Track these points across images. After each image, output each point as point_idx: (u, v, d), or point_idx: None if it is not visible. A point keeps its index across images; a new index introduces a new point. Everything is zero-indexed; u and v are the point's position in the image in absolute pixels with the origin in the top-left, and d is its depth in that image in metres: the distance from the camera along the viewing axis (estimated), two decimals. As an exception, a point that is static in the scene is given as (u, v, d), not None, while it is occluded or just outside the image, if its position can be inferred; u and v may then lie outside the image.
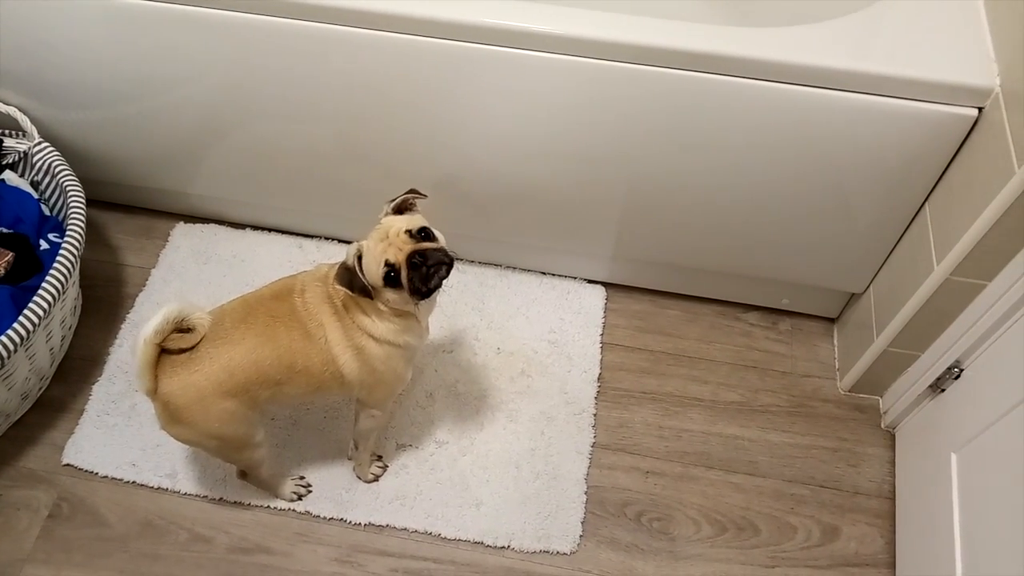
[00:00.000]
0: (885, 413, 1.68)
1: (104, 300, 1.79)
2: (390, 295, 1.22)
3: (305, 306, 1.28)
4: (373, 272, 1.20)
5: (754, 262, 1.70)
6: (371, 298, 1.23)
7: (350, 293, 1.22)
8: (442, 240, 1.25)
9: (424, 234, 1.22)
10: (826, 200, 1.51)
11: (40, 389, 1.64)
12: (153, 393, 1.22)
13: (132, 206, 1.93)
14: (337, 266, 1.25)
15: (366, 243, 1.22)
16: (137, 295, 1.80)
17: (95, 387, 1.66)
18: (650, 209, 1.62)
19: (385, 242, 1.20)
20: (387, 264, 1.18)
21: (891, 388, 1.66)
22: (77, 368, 1.69)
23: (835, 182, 1.47)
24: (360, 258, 1.21)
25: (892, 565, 1.51)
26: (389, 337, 1.29)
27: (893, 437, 1.66)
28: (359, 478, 1.56)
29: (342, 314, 1.28)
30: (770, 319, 1.82)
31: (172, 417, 1.25)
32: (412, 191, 1.27)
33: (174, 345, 1.22)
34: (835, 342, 1.79)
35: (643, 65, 1.34)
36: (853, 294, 1.73)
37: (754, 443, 1.65)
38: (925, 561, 1.41)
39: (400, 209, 1.27)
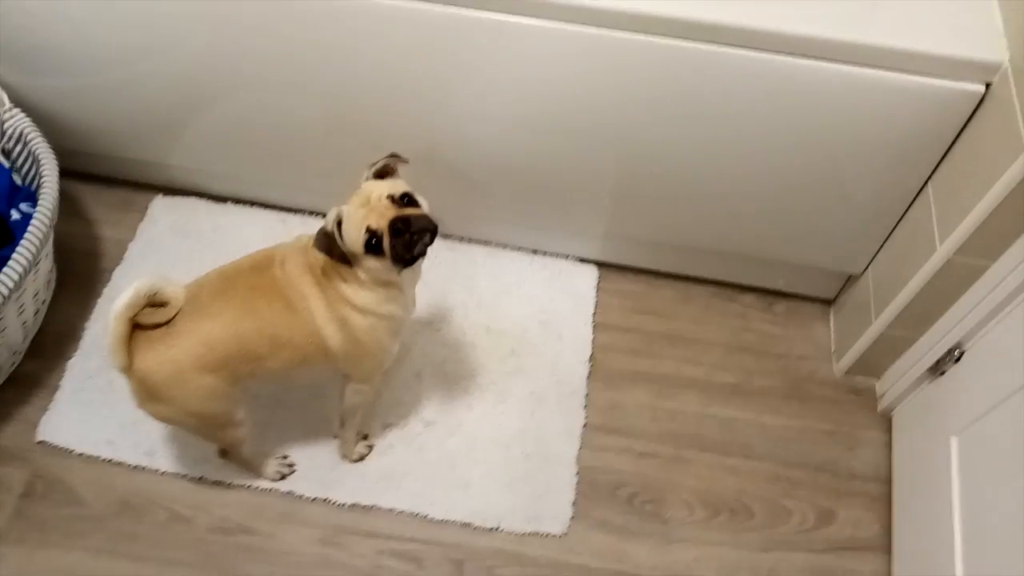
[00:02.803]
0: (882, 396, 1.65)
1: (80, 274, 1.73)
2: (371, 263, 1.17)
3: (286, 277, 1.24)
4: (354, 238, 1.15)
5: (750, 241, 1.66)
6: (351, 266, 1.18)
7: (329, 260, 1.18)
8: (426, 206, 1.20)
9: (407, 200, 1.17)
10: (825, 177, 1.47)
11: (13, 364, 1.58)
12: (128, 370, 1.17)
13: (110, 177, 1.86)
14: (316, 233, 1.20)
15: (346, 208, 1.16)
16: (114, 269, 1.73)
17: (70, 363, 1.61)
18: (643, 185, 1.57)
19: (366, 207, 1.15)
20: (368, 230, 1.13)
21: (888, 371, 1.63)
22: (52, 343, 1.63)
23: (834, 159, 1.43)
24: (340, 224, 1.16)
25: (888, 549, 1.49)
26: (372, 307, 1.24)
27: (890, 420, 1.63)
28: (344, 457, 1.52)
29: (324, 285, 1.23)
30: (766, 301, 1.79)
31: (149, 394, 1.20)
32: (393, 155, 1.22)
33: (148, 320, 1.17)
34: (831, 324, 1.76)
35: (636, 34, 1.29)
36: (851, 276, 1.69)
37: (749, 425, 1.62)
38: (923, 545, 1.39)
39: (381, 174, 1.22)
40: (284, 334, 1.23)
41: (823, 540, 1.50)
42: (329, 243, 1.16)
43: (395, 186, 1.18)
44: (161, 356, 1.17)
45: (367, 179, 1.21)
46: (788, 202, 1.53)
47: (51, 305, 1.66)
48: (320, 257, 1.19)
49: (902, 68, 1.27)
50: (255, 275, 1.25)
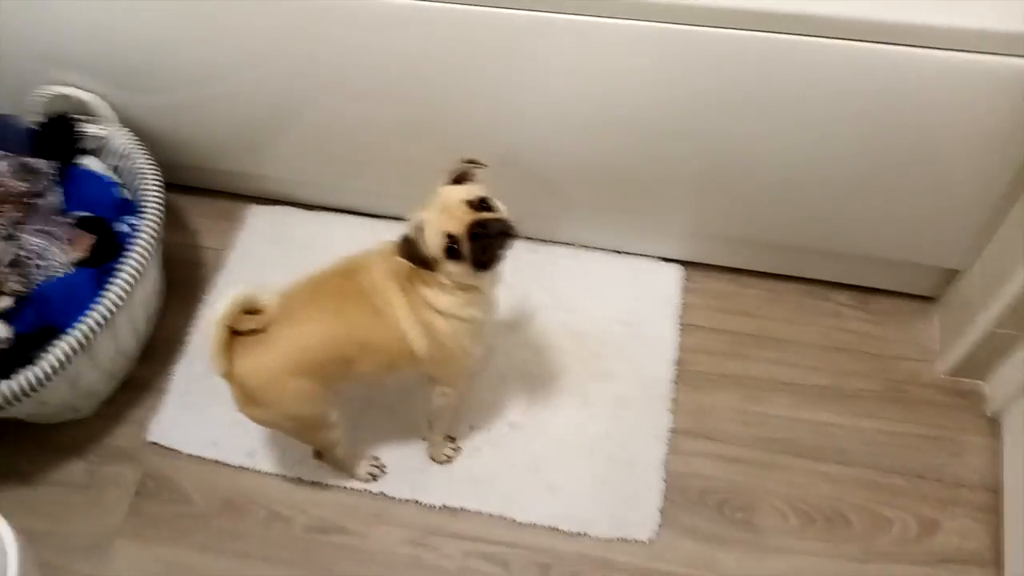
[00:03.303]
0: (991, 399, 1.56)
1: (184, 282, 1.82)
2: (452, 267, 1.19)
3: (372, 283, 1.27)
4: (434, 244, 1.17)
5: (843, 237, 1.59)
6: (433, 270, 1.20)
7: (412, 265, 1.20)
8: (503, 210, 1.21)
9: (484, 204, 1.19)
10: (924, 168, 1.39)
11: (127, 370, 1.68)
12: (229, 375, 1.24)
13: (208, 189, 1.96)
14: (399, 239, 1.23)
15: (425, 214, 1.19)
16: (215, 277, 1.82)
17: (177, 367, 1.70)
18: (727, 181, 1.53)
19: (445, 213, 1.17)
20: (447, 236, 1.15)
21: (997, 372, 1.53)
22: (161, 349, 1.73)
23: (933, 148, 1.36)
24: (421, 230, 1.18)
25: (998, 563, 1.40)
26: (454, 311, 1.26)
27: (999, 425, 1.54)
28: (433, 459, 1.55)
29: (409, 289, 1.26)
30: (861, 298, 1.71)
31: (248, 398, 1.26)
32: (470, 160, 1.24)
33: (244, 327, 1.23)
34: (936, 323, 1.67)
35: (715, 28, 1.26)
36: (956, 271, 1.60)
37: (844, 430, 1.56)
38: None
39: (459, 179, 1.23)
40: (372, 338, 1.27)
41: (926, 552, 1.43)
42: (411, 249, 1.18)
43: (472, 191, 1.19)
44: (258, 361, 1.23)
45: (444, 185, 1.22)
46: (883, 194, 1.46)
47: (160, 312, 1.76)
48: (404, 263, 1.21)
49: (997, 50, 1.19)
50: (343, 281, 1.29)
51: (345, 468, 1.52)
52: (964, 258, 1.53)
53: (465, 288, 1.24)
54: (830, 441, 1.55)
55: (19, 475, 1.59)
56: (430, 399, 1.43)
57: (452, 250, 1.16)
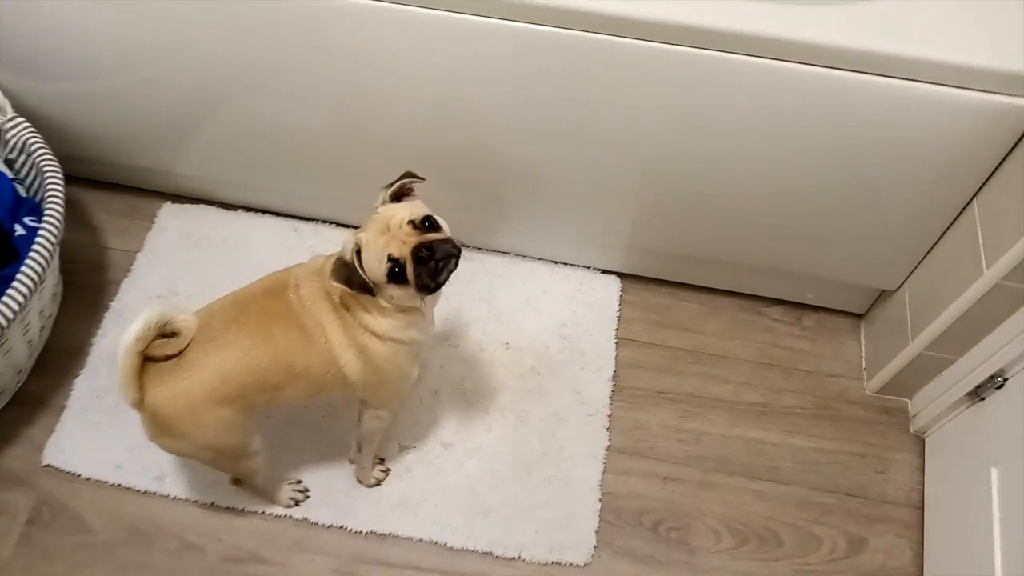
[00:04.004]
0: (915, 417, 1.59)
1: (86, 286, 1.67)
2: (394, 291, 1.11)
3: (301, 303, 1.18)
4: (375, 268, 1.09)
5: (781, 256, 1.60)
6: (372, 295, 1.12)
7: (348, 290, 1.12)
8: (447, 229, 1.14)
9: (428, 224, 1.11)
10: (861, 193, 1.40)
11: (17, 383, 1.53)
12: (140, 404, 1.12)
13: (115, 184, 1.80)
14: (333, 260, 1.14)
15: (364, 235, 1.10)
16: (122, 281, 1.68)
17: (77, 381, 1.56)
18: (668, 197, 1.51)
19: (387, 235, 1.09)
20: (391, 259, 1.08)
21: (922, 391, 1.57)
22: (57, 360, 1.58)
23: (872, 174, 1.36)
24: (359, 252, 1.10)
25: (921, 579, 1.44)
26: (393, 334, 1.18)
27: (923, 442, 1.58)
28: (360, 482, 1.47)
29: (341, 311, 1.17)
30: (794, 314, 1.73)
31: (162, 429, 1.15)
32: (409, 174, 1.16)
33: (159, 352, 1.12)
34: (862, 340, 1.70)
35: (658, 43, 1.22)
36: (884, 290, 1.63)
37: (777, 447, 1.56)
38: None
39: (398, 196, 1.15)
40: (301, 363, 1.17)
41: (854, 569, 1.45)
42: (349, 273, 1.10)
43: (415, 209, 1.12)
44: (173, 390, 1.12)
45: (383, 202, 1.14)
46: (822, 217, 1.47)
47: (56, 319, 1.61)
48: (337, 285, 1.13)
49: (947, 82, 1.19)
50: (269, 300, 1.19)
51: (265, 494, 1.42)
52: (894, 279, 1.56)
53: (405, 310, 1.16)
54: (763, 459, 1.55)
55: None
56: (360, 421, 1.35)
57: (395, 273, 1.08)
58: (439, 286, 1.11)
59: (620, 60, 1.26)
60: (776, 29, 1.19)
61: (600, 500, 1.48)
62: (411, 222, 1.10)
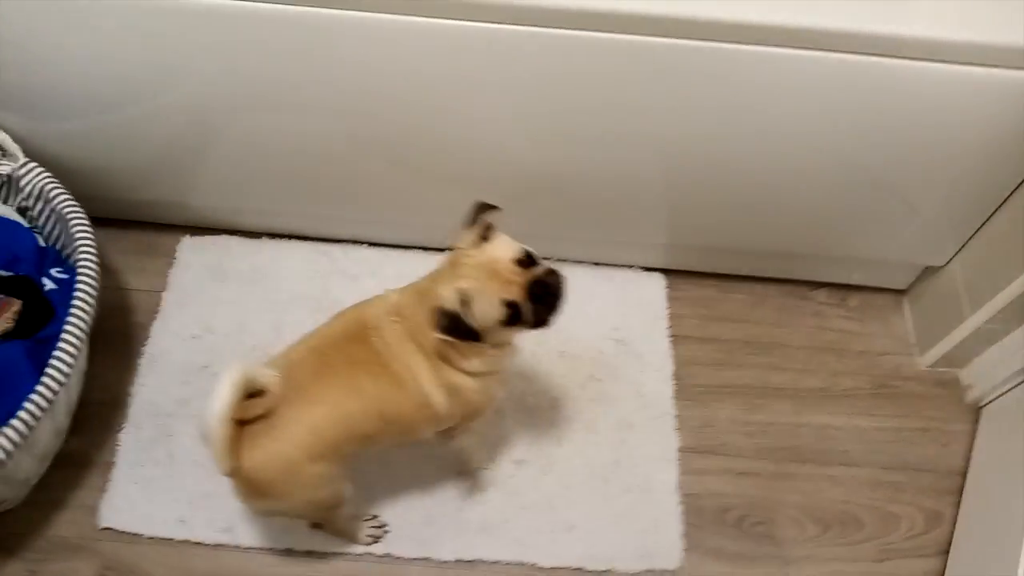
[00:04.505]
0: (969, 388, 1.62)
1: (113, 332, 1.57)
2: (506, 334, 1.07)
3: (387, 347, 1.13)
4: (488, 314, 1.05)
5: (825, 241, 1.60)
6: (479, 340, 1.08)
7: (450, 339, 1.07)
8: (536, 256, 1.10)
9: (531, 259, 1.07)
10: (910, 176, 1.41)
11: (58, 445, 1.43)
12: (237, 472, 1.06)
13: (126, 220, 1.69)
14: (430, 309, 1.08)
15: (471, 284, 1.05)
16: (151, 323, 1.59)
17: (121, 435, 1.47)
18: (708, 192, 1.49)
19: (496, 280, 1.05)
20: (508, 304, 1.04)
21: (975, 361, 1.59)
22: (96, 415, 1.49)
23: (922, 159, 1.37)
24: (467, 302, 1.05)
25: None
26: (485, 368, 1.15)
27: (978, 413, 1.61)
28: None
29: (428, 351, 1.13)
30: (839, 295, 1.73)
31: (258, 492, 1.09)
32: (483, 206, 1.10)
33: (248, 414, 1.06)
34: (907, 315, 1.72)
35: (686, 40, 1.20)
36: (929, 266, 1.65)
37: (843, 431, 1.58)
38: (987, 548, 1.35)
39: (484, 234, 1.10)
40: (393, 409, 1.13)
41: (935, 544, 1.47)
42: (455, 323, 1.05)
43: (512, 247, 1.08)
44: (269, 452, 1.07)
45: (473, 243, 1.09)
46: (869, 200, 1.47)
47: (88, 371, 1.51)
48: (441, 337, 1.07)
49: (994, 62, 1.20)
50: (351, 347, 1.13)
51: (346, 534, 1.37)
52: (943, 255, 1.57)
53: (499, 345, 1.12)
54: (832, 444, 1.56)
55: (-61, 590, 1.33)
56: (452, 442, 1.31)
57: (514, 316, 1.04)
58: (553, 319, 1.08)
59: (647, 58, 1.23)
60: (811, 19, 1.18)
61: (681, 502, 1.47)
62: (516, 260, 1.06)
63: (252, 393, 1.06)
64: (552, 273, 1.07)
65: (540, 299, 1.05)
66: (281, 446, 1.07)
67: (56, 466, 1.42)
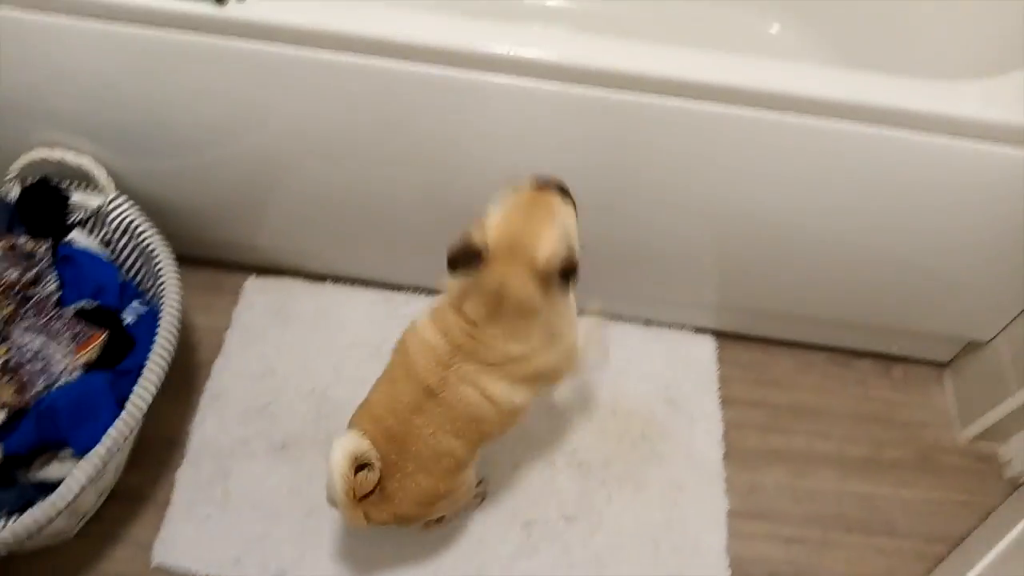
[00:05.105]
0: (1007, 463, 1.65)
1: (176, 369, 1.55)
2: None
3: (458, 399, 1.17)
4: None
5: (875, 310, 1.64)
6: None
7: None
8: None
9: None
10: (961, 251, 1.46)
11: (116, 479, 1.44)
12: (366, 525, 1.17)
13: (194, 257, 1.72)
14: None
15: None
16: (213, 361, 1.61)
17: (179, 473, 1.48)
18: (760, 258, 1.53)
19: None
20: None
21: (1015, 436, 1.63)
22: (154, 451, 1.50)
23: (964, 227, 1.41)
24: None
25: (1044, 626, 1.48)
26: (517, 352, 1.19)
27: (1017, 488, 1.63)
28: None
29: (487, 369, 1.17)
30: (882, 365, 1.77)
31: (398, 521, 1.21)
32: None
33: (361, 491, 1.13)
34: (947, 388, 1.75)
35: (753, 109, 1.27)
36: (975, 341, 1.69)
37: (887, 501, 1.60)
38: None
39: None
40: (487, 429, 1.22)
41: (979, 619, 1.49)
42: (464, 249, 1.16)
43: None
44: (390, 513, 1.18)
45: None
46: (916, 274, 1.51)
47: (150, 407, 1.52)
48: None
49: None
50: (417, 418, 1.17)
51: (465, 509, 1.44)
52: (990, 330, 1.62)
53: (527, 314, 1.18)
54: (877, 514, 1.58)
55: (-5, 620, 1.32)
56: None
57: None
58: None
59: (712, 127, 1.30)
60: (868, 96, 1.25)
61: (729, 567, 1.48)
62: None
63: (363, 464, 1.13)
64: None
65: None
66: (399, 509, 1.18)
67: (111, 500, 1.43)
